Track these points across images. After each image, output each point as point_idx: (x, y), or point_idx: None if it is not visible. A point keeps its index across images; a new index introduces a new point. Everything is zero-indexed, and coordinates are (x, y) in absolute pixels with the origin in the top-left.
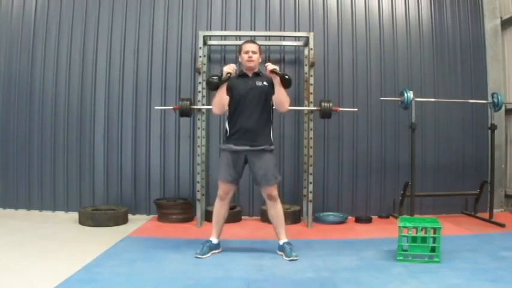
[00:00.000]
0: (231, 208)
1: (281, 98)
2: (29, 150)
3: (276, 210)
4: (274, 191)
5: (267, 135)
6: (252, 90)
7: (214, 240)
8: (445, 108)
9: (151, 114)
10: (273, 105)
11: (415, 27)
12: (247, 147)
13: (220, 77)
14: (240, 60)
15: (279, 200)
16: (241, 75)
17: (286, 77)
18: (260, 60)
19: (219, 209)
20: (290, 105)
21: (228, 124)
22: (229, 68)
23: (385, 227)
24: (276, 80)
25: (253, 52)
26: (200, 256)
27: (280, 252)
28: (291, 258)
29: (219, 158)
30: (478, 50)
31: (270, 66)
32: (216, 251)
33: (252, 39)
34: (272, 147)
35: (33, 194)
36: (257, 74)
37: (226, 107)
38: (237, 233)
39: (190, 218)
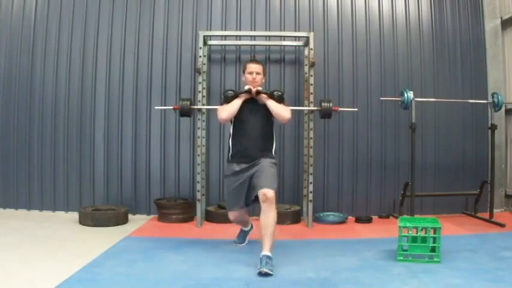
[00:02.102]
0: None
1: (275, 110)
2: (29, 151)
3: (268, 217)
4: (270, 192)
5: (269, 151)
6: (254, 110)
7: (246, 228)
8: (445, 108)
9: (152, 114)
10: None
11: (415, 27)
12: (248, 166)
13: (235, 92)
14: (243, 79)
15: (274, 208)
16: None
17: (275, 93)
18: (263, 81)
19: (238, 218)
20: (290, 105)
21: (232, 142)
22: (249, 87)
23: (385, 227)
24: (265, 99)
25: (257, 73)
26: (239, 244)
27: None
28: (261, 270)
29: (225, 185)
30: (478, 50)
31: (254, 91)
32: (251, 233)
33: (256, 59)
34: (274, 160)
35: (33, 194)
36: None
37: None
38: (237, 232)
39: (191, 218)
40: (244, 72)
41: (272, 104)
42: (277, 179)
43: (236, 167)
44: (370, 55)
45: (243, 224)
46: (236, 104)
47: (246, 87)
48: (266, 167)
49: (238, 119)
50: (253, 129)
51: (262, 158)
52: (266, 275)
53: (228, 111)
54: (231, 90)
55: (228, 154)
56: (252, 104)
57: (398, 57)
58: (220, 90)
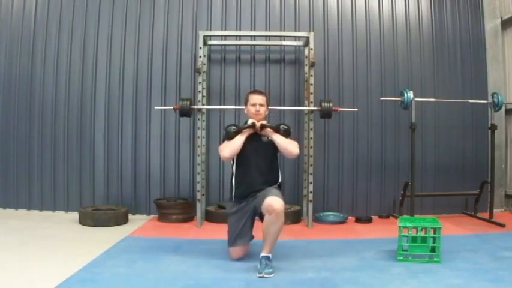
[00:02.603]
0: None
1: (283, 145)
2: (29, 150)
3: (274, 226)
4: (278, 204)
5: (274, 184)
6: (258, 147)
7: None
8: (445, 108)
9: (152, 114)
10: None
11: (415, 27)
12: (252, 198)
13: (238, 127)
14: (245, 111)
15: (282, 219)
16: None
17: (281, 127)
18: (267, 112)
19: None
20: (290, 105)
21: (235, 182)
22: (253, 121)
23: (385, 227)
24: (271, 134)
25: (261, 105)
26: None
27: (259, 266)
28: (261, 275)
29: (229, 223)
30: (478, 50)
31: (258, 125)
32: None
33: (259, 90)
34: (279, 188)
35: (33, 194)
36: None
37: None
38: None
39: (191, 218)
40: (246, 103)
41: (279, 139)
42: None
43: (240, 206)
44: (370, 55)
45: None
46: (239, 141)
47: (249, 122)
48: (269, 189)
49: (241, 157)
50: (258, 167)
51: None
52: (263, 278)
53: (230, 149)
54: (234, 126)
55: (231, 194)
56: (256, 139)
57: (398, 57)
58: (221, 90)
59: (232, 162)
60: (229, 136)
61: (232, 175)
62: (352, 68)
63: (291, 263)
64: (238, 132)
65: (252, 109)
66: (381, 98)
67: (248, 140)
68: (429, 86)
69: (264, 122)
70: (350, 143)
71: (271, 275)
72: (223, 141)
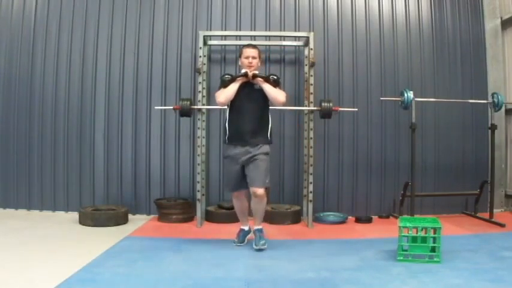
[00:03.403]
0: (231, 208)
1: (272, 94)
2: (29, 150)
3: (259, 206)
4: (260, 190)
5: (265, 134)
6: (250, 94)
7: (246, 228)
8: (445, 108)
9: (152, 114)
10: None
11: (415, 27)
12: (244, 149)
13: (232, 76)
14: (240, 63)
15: (265, 199)
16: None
17: (271, 77)
18: (259, 65)
19: (237, 204)
20: (290, 105)
21: (228, 125)
22: (246, 70)
23: (385, 227)
24: (261, 83)
25: (253, 57)
26: (239, 244)
27: (255, 247)
28: (259, 247)
29: (224, 166)
30: (478, 50)
31: (250, 74)
32: (248, 236)
33: (252, 44)
34: (268, 148)
35: (33, 194)
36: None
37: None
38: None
39: (191, 218)
40: (240, 56)
41: (268, 88)
42: (269, 171)
43: (232, 151)
44: (370, 55)
45: (242, 217)
46: (233, 88)
47: (243, 71)
48: (259, 161)
49: (234, 103)
50: (249, 113)
51: (257, 146)
52: (260, 250)
53: (225, 94)
54: (228, 75)
55: (225, 137)
56: (249, 87)
57: (398, 57)
58: None
59: (227, 106)
60: (225, 84)
61: (226, 119)
62: (352, 68)
63: (291, 263)
64: (232, 80)
65: (246, 61)
66: (381, 98)
67: (241, 87)
68: (429, 86)
69: (256, 72)
70: (350, 143)
71: (265, 246)
72: (219, 88)
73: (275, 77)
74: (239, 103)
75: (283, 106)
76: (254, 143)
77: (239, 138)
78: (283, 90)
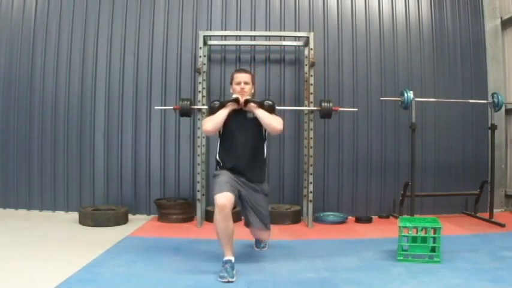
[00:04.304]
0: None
1: (266, 121)
2: (29, 150)
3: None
4: (265, 235)
5: (261, 170)
6: (243, 123)
7: (232, 258)
8: (445, 108)
9: (152, 114)
10: (266, 138)
11: (415, 27)
12: (243, 179)
13: (221, 102)
14: (231, 90)
15: (269, 236)
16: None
17: (266, 102)
18: (253, 91)
19: (223, 224)
20: (290, 105)
21: (219, 157)
22: (237, 95)
23: (385, 227)
24: (254, 109)
25: (246, 83)
26: (231, 280)
27: (256, 248)
28: (259, 249)
29: (215, 182)
30: (478, 50)
31: (242, 100)
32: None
33: (244, 68)
34: (267, 187)
35: (33, 194)
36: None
37: (218, 133)
38: (237, 233)
39: (191, 218)
40: (231, 83)
41: (262, 114)
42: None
43: (228, 172)
44: (370, 55)
45: (227, 243)
46: (222, 114)
47: (234, 96)
48: (261, 201)
49: (225, 132)
50: (242, 144)
51: (255, 183)
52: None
53: (213, 121)
54: (217, 101)
55: (216, 167)
56: (241, 116)
57: (399, 57)
58: (221, 90)
59: (218, 136)
60: (213, 111)
61: (217, 151)
62: (352, 68)
63: (291, 263)
64: (221, 106)
65: (237, 88)
66: (381, 98)
67: (233, 116)
68: (429, 86)
69: (248, 97)
70: (350, 143)
71: (265, 248)
72: (207, 116)
73: (270, 102)
74: (230, 134)
75: (280, 133)
76: (250, 180)
77: (233, 172)
78: (279, 116)
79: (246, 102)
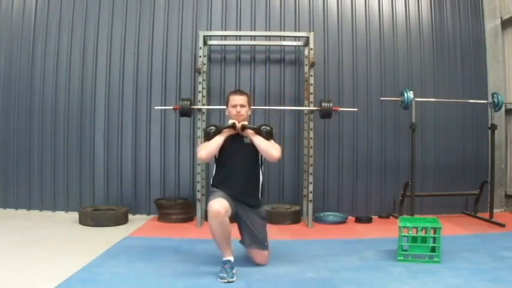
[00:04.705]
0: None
1: (263, 148)
2: (29, 150)
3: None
4: (265, 258)
5: (256, 195)
6: (239, 149)
7: (232, 258)
8: (445, 108)
9: (152, 114)
10: (262, 163)
11: (415, 27)
12: (239, 205)
13: (217, 127)
14: (227, 113)
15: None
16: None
17: (263, 128)
18: (249, 113)
19: (219, 228)
20: (290, 105)
21: (214, 182)
22: (233, 121)
23: (385, 227)
24: (251, 135)
25: (242, 106)
26: (230, 280)
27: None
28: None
29: (211, 196)
30: (478, 50)
31: (239, 126)
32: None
33: (240, 90)
34: (264, 210)
35: (33, 194)
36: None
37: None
38: (237, 233)
39: (191, 218)
40: (227, 105)
41: (259, 141)
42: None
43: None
44: (370, 55)
45: (225, 245)
46: (217, 141)
47: (230, 122)
48: (259, 222)
49: (221, 157)
50: (238, 170)
51: (250, 209)
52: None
53: (208, 148)
54: (213, 126)
55: (212, 189)
56: (237, 141)
57: (399, 57)
58: (220, 90)
59: (215, 161)
60: (209, 137)
61: (212, 177)
62: (352, 68)
63: (291, 263)
64: (217, 132)
65: (233, 111)
66: (381, 98)
67: (229, 141)
68: (429, 86)
69: (245, 122)
70: (350, 143)
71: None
72: (203, 141)
73: (268, 128)
74: (226, 159)
75: (278, 161)
76: (246, 205)
77: (229, 197)
78: (278, 143)
79: (243, 127)
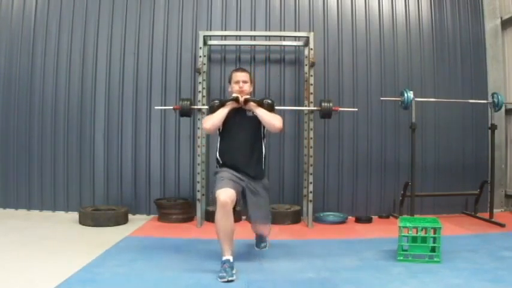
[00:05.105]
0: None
1: (266, 119)
2: (29, 150)
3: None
4: (267, 231)
5: (259, 166)
6: (242, 122)
7: (231, 258)
8: (445, 108)
9: (152, 114)
10: (264, 136)
11: (415, 27)
12: (243, 175)
13: (221, 101)
14: (229, 89)
15: (270, 231)
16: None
17: (265, 101)
18: (251, 89)
19: (223, 222)
20: (290, 105)
21: (219, 156)
22: (236, 95)
23: (385, 227)
24: (254, 108)
25: (244, 82)
26: (230, 279)
27: (257, 248)
28: (260, 248)
29: (216, 179)
30: (478, 50)
31: (241, 99)
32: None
33: (242, 67)
34: (267, 181)
35: (33, 194)
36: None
37: (218, 131)
38: (237, 233)
39: (191, 218)
40: (230, 82)
41: (262, 113)
42: (269, 208)
43: (228, 169)
44: (370, 55)
45: (227, 242)
46: (221, 113)
47: (233, 95)
48: (260, 198)
49: (225, 131)
50: (242, 142)
51: (254, 179)
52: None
53: (212, 120)
54: (217, 100)
55: (216, 165)
56: (240, 114)
57: (399, 57)
58: (221, 90)
59: (218, 134)
60: (213, 110)
61: (217, 149)
62: (352, 68)
63: (291, 263)
64: (221, 105)
65: (236, 86)
66: (381, 98)
67: (233, 114)
68: (429, 86)
69: (248, 96)
70: (350, 143)
71: (266, 248)
72: (207, 114)
73: (269, 101)
74: (230, 132)
75: (280, 132)
76: (250, 176)
77: (233, 169)
78: (279, 114)
79: (246, 101)
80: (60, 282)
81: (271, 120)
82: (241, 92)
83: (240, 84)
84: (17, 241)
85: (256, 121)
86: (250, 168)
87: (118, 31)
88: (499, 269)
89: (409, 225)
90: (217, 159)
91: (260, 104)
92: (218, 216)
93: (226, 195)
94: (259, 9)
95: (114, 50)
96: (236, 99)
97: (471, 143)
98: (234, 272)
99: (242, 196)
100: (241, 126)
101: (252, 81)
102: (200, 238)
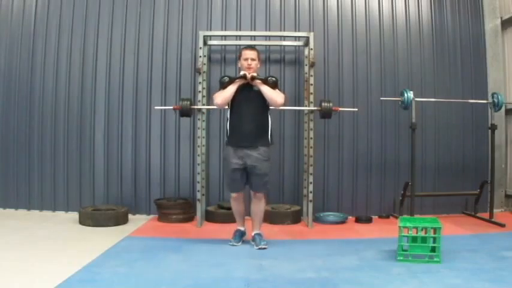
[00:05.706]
0: (231, 208)
1: (269, 95)
2: (29, 150)
3: (258, 207)
4: (260, 194)
5: (264, 135)
6: (249, 96)
7: (242, 228)
8: (445, 108)
9: (152, 114)
10: (269, 107)
11: (415, 27)
12: (243, 153)
13: (230, 78)
14: (239, 65)
15: (263, 200)
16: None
17: (269, 79)
18: (259, 66)
19: (235, 206)
20: (290, 105)
21: (229, 126)
22: (244, 72)
23: (385, 227)
24: (259, 85)
25: (252, 59)
26: (235, 244)
27: (252, 242)
28: (260, 247)
29: (224, 167)
30: (478, 50)
31: (249, 76)
32: (244, 238)
33: (251, 45)
34: (267, 150)
35: (33, 194)
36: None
37: (227, 105)
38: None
39: (191, 218)
40: (239, 58)
41: (266, 89)
42: (268, 175)
43: (232, 158)
44: (370, 55)
45: (239, 218)
46: (231, 89)
47: (241, 73)
48: (259, 166)
49: (234, 104)
50: (248, 114)
51: (257, 148)
52: (261, 249)
53: (222, 96)
54: (227, 76)
55: (226, 137)
56: (247, 89)
57: (398, 57)
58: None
59: (228, 107)
60: (223, 86)
61: (227, 120)
62: (352, 68)
63: (291, 263)
64: (231, 82)
65: (245, 63)
66: (381, 98)
67: (240, 89)
68: (429, 86)
69: (255, 74)
70: (350, 143)
71: (266, 246)
72: (218, 90)
73: (274, 79)
74: (238, 105)
75: (282, 107)
76: (254, 145)
77: (240, 140)
78: (282, 92)
79: (253, 78)
80: (60, 282)
81: (273, 96)
82: (249, 68)
83: (249, 61)
84: (17, 241)
85: (262, 95)
86: (256, 136)
87: (118, 31)
88: (499, 269)
89: (409, 225)
90: (227, 129)
91: (265, 81)
92: (233, 204)
93: (236, 194)
94: (259, 9)
95: (114, 50)
96: (244, 77)
97: (471, 143)
98: (242, 239)
99: (245, 172)
100: (248, 100)
101: (260, 60)
102: (200, 238)
